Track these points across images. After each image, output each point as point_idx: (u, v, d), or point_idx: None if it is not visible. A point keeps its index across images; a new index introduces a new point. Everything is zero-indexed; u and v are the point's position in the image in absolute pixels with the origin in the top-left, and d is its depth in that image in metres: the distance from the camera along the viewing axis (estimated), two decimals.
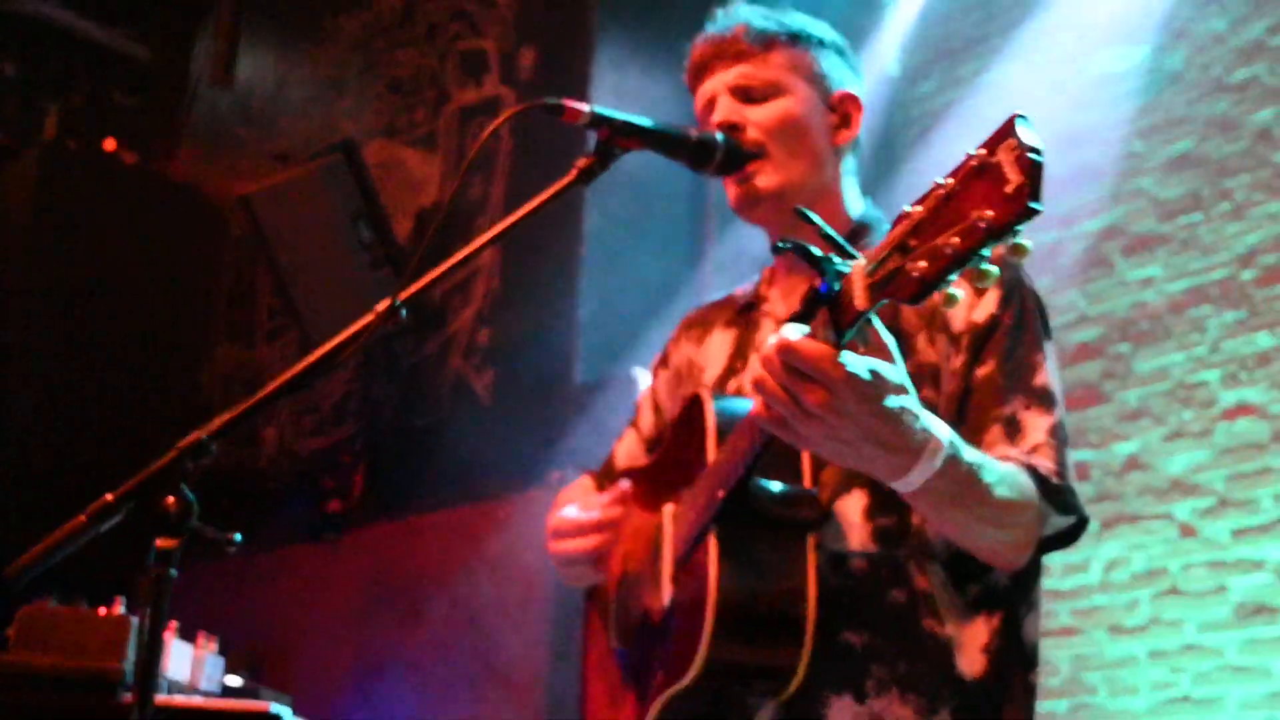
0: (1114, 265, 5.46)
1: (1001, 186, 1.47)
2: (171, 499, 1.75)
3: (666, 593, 2.15)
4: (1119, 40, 5.59)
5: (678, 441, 2.32)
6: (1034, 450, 1.99)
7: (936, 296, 1.55)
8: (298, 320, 6.51)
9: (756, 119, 2.25)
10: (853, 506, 2.08)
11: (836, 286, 1.65)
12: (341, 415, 6.39)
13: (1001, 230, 1.47)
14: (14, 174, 7.33)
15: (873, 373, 1.67)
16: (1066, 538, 2.04)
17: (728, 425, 2.06)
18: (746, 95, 2.27)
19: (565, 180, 2.07)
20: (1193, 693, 4.82)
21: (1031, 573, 2.11)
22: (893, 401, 1.70)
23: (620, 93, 5.51)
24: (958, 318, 2.11)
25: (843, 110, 2.32)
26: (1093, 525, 5.50)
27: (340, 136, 6.57)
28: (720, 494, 2.00)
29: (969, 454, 1.83)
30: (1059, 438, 2.02)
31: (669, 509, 2.22)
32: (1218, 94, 5.34)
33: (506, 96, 6.00)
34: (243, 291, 7.21)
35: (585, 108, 2.07)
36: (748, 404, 1.87)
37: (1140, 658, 4.98)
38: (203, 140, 7.89)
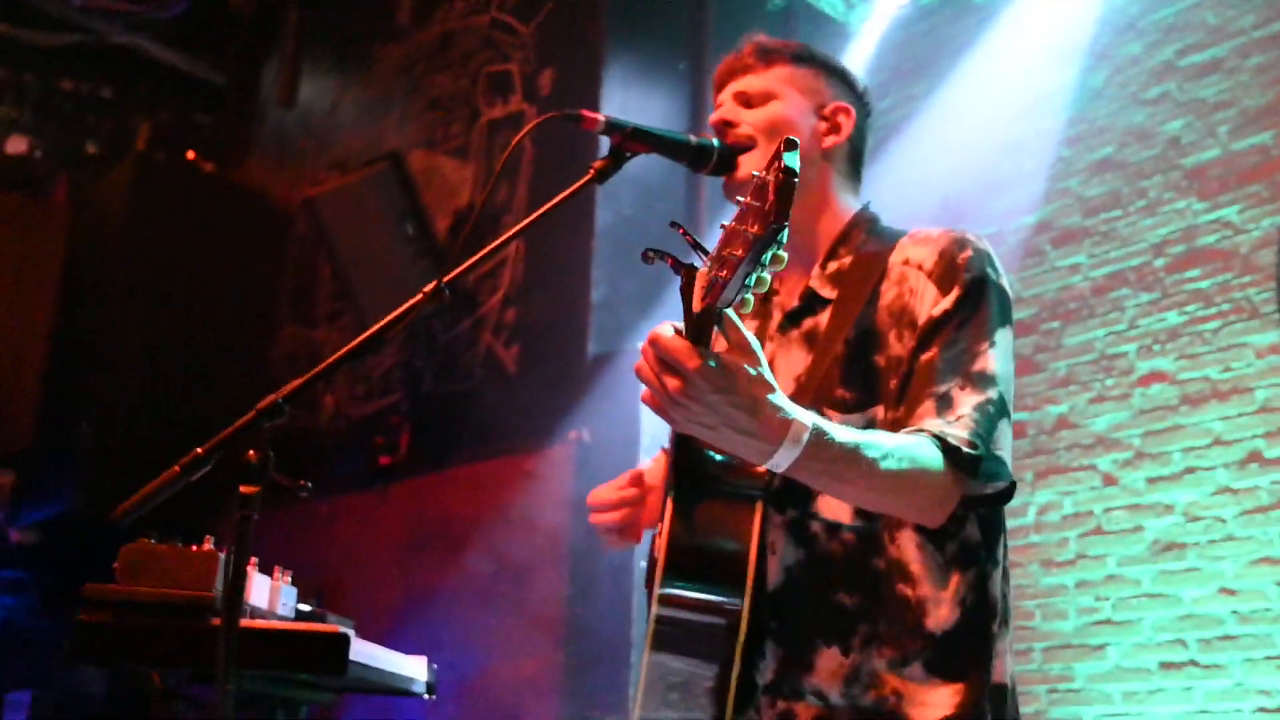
0: (1045, 254, 5.45)
1: (764, 204, 1.44)
2: (253, 452, 1.75)
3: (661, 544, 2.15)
4: (1050, 62, 5.56)
5: None
6: (956, 421, 1.89)
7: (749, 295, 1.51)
8: (354, 303, 6.51)
9: (749, 119, 2.19)
10: None
11: (690, 291, 1.62)
12: (389, 384, 6.39)
13: (765, 242, 1.44)
14: (111, 181, 7.35)
15: (723, 365, 1.61)
16: (1000, 497, 1.94)
17: None
18: (746, 101, 2.22)
19: (583, 180, 2.05)
20: (1113, 616, 4.83)
21: (993, 535, 2.04)
22: (747, 393, 1.63)
23: (624, 108, 5.50)
24: (921, 314, 2.01)
25: (834, 120, 2.22)
26: (1028, 475, 5.44)
27: (388, 148, 6.57)
28: (667, 463, 1.99)
29: (843, 435, 1.74)
30: (984, 412, 1.90)
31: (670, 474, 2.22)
32: (1134, 108, 5.31)
33: (528, 112, 5.99)
34: (304, 280, 7.20)
35: (601, 116, 2.05)
36: None
37: (1069, 587, 4.99)
38: (270, 152, 7.88)
